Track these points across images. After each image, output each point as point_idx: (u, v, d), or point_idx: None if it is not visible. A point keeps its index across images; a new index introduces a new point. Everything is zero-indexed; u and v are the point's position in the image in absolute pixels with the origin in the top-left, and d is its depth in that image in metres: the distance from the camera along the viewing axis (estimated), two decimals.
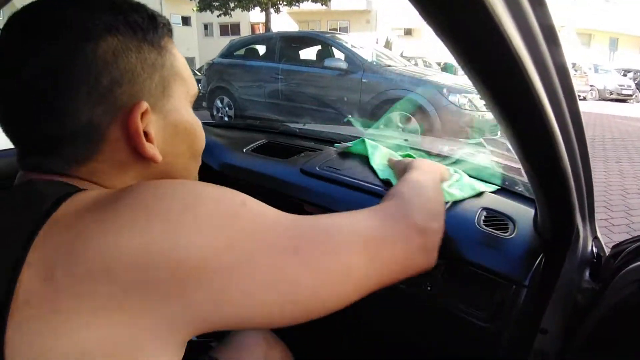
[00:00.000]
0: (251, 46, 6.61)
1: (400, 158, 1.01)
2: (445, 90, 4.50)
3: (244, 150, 1.26)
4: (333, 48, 5.65)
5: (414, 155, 1.07)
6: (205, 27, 26.80)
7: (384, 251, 0.48)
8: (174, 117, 0.50)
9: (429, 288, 0.78)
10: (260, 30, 22.31)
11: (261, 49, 6.44)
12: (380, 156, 1.06)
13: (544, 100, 0.40)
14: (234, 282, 0.38)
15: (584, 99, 16.44)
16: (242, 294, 0.38)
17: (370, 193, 0.92)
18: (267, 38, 6.72)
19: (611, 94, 16.33)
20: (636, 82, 17.23)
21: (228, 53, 6.67)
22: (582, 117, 0.49)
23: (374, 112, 4.81)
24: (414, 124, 4.46)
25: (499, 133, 3.11)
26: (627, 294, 0.63)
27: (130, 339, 0.35)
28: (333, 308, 0.44)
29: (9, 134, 0.46)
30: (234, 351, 0.82)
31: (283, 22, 20.75)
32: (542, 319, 0.75)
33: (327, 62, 5.42)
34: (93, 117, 0.43)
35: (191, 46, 23.57)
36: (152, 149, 0.47)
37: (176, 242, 0.36)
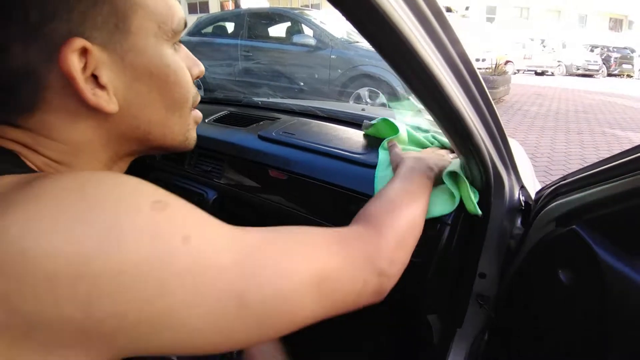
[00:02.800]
0: (219, 23, 6.48)
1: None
2: None
3: (206, 120, 1.30)
4: (302, 24, 5.61)
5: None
6: None
7: (336, 293, 0.43)
8: (134, 57, 0.41)
9: None
10: (230, 7, 21.77)
11: (229, 26, 6.33)
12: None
13: (429, 62, 0.45)
14: (164, 331, 0.31)
15: (552, 74, 16.83)
16: (172, 342, 0.32)
17: (321, 154, 0.98)
18: (235, 15, 6.60)
19: (578, 69, 16.75)
20: (603, 57, 17.68)
21: (196, 31, 6.52)
22: (482, 81, 0.56)
23: (344, 88, 4.84)
24: (382, 99, 4.52)
25: None
26: (545, 233, 0.71)
27: None
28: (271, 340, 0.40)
29: None
30: None
31: None
32: (479, 264, 0.83)
33: (296, 39, 5.39)
34: (29, 59, 0.37)
35: None
36: (98, 97, 0.39)
37: (86, 281, 0.28)
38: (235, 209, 1.15)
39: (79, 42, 0.36)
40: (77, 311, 0.28)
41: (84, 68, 0.38)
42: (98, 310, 0.28)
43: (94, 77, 0.39)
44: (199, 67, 0.50)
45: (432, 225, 0.76)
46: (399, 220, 0.56)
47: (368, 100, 4.62)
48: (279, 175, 1.01)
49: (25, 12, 0.35)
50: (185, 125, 0.49)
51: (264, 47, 5.77)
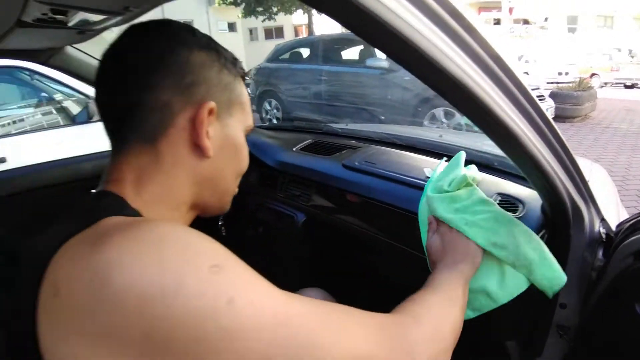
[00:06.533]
0: (296, 50, 6.82)
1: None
2: None
3: (294, 149, 1.45)
4: (375, 48, 5.72)
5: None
6: (251, 31, 27.39)
7: None
8: (230, 132, 0.57)
9: None
10: (304, 31, 22.56)
11: (305, 52, 6.64)
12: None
13: (477, 91, 0.49)
14: None
15: None
16: None
17: (403, 184, 1.06)
18: (311, 41, 6.91)
19: None
20: None
21: (274, 57, 6.92)
22: (543, 110, 0.60)
23: (418, 109, 4.87)
24: (458, 119, 4.48)
25: None
26: (624, 266, 0.73)
27: None
28: None
29: (100, 103, 0.54)
30: None
31: (325, 22, 20.92)
32: (560, 294, 0.85)
33: (369, 62, 5.51)
34: (171, 101, 0.51)
35: (237, 51, 23.81)
36: (208, 142, 0.53)
37: (149, 313, 0.36)
38: (322, 232, 1.26)
39: (212, 104, 0.53)
40: (138, 329, 0.36)
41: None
42: (155, 334, 0.36)
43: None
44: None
45: None
46: (436, 314, 0.58)
47: (444, 120, 4.59)
48: (359, 199, 1.10)
49: (184, 75, 0.52)
50: (233, 191, 0.62)
51: (338, 72, 5.96)
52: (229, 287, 0.39)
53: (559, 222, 0.78)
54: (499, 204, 0.91)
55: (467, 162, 1.12)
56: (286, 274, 1.40)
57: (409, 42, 0.41)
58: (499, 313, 0.86)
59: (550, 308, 0.85)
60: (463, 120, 4.38)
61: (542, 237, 0.80)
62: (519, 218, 0.87)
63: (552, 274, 0.72)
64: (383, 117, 4.80)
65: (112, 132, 0.55)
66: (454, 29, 0.45)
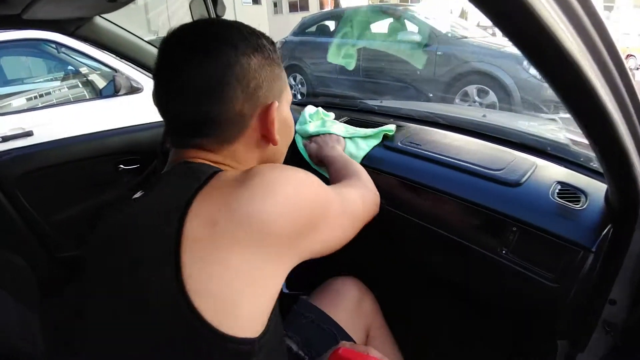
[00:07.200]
0: (322, 23, 6.65)
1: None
2: (525, 63, 4.16)
3: None
4: (406, 21, 5.54)
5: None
6: (275, 4, 26.96)
7: (368, 201, 0.82)
8: (284, 115, 0.69)
9: (503, 251, 0.85)
10: (329, 4, 22.11)
11: (332, 25, 6.46)
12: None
13: (588, 75, 0.45)
14: (322, 235, 0.61)
15: None
16: (325, 241, 0.63)
17: (448, 166, 0.99)
18: (338, 14, 6.72)
19: None
20: None
21: (300, 31, 6.76)
22: (637, 94, 0.53)
23: (450, 86, 4.71)
24: (492, 97, 4.31)
25: None
26: None
27: (260, 267, 0.52)
28: (358, 227, 0.75)
29: (173, 115, 0.63)
30: (330, 297, 0.96)
31: None
32: (612, 290, 0.80)
33: (400, 36, 5.33)
34: (243, 108, 0.61)
35: (261, 24, 23.63)
36: (276, 134, 0.66)
37: (290, 211, 0.54)
38: None
39: (277, 104, 0.65)
40: (290, 225, 0.54)
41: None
42: (303, 221, 0.56)
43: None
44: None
45: (574, 252, 0.76)
46: (361, 174, 0.94)
47: (476, 98, 4.43)
48: (397, 182, 1.05)
49: (248, 81, 0.60)
50: (284, 157, 0.78)
51: (367, 45, 5.79)
52: (327, 188, 0.64)
53: (627, 217, 0.71)
54: (558, 193, 0.84)
55: (516, 144, 1.06)
56: (318, 262, 1.33)
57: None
58: (556, 312, 0.80)
59: (600, 304, 0.81)
60: (497, 100, 4.23)
61: (607, 233, 0.74)
62: (581, 210, 0.80)
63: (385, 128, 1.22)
64: (431, 95, 4.66)
65: (188, 135, 0.63)
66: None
